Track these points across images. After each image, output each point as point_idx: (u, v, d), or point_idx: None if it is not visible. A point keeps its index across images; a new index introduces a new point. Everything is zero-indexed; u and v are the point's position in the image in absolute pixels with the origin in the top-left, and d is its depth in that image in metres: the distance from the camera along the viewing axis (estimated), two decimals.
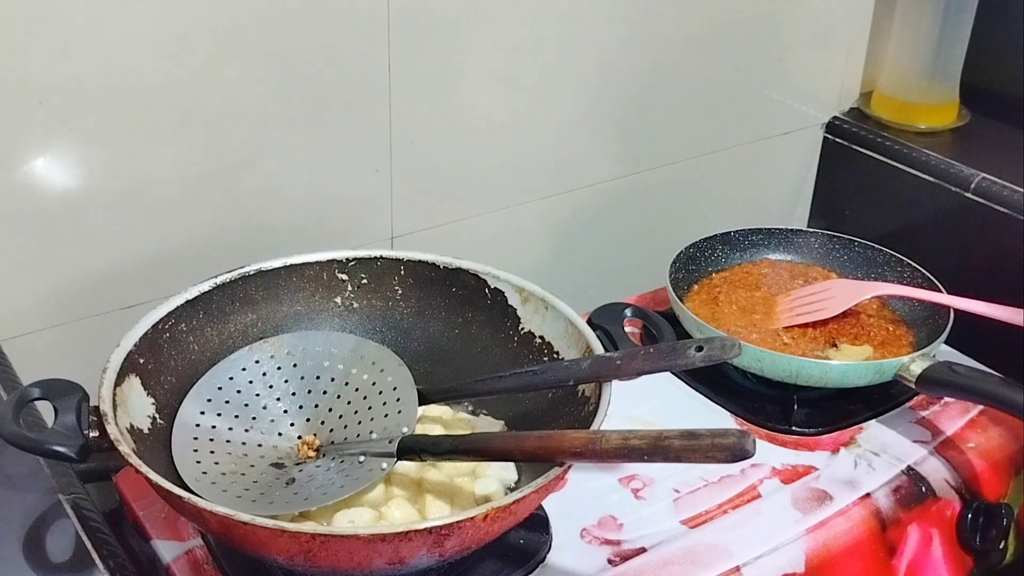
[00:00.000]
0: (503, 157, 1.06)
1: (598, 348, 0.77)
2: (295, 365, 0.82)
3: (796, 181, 1.33)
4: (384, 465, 0.73)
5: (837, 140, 1.29)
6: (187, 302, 0.79)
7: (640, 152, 1.17)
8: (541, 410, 0.81)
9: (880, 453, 0.92)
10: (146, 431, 0.73)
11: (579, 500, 0.85)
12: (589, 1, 1.04)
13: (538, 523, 0.80)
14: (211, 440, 0.76)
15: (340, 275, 0.86)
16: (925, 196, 1.19)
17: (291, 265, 0.85)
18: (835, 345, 0.99)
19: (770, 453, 0.92)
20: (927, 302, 1.01)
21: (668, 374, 0.98)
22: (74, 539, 0.67)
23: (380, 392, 0.80)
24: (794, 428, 0.95)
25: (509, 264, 0.85)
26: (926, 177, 1.19)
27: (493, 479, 0.77)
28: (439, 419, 0.84)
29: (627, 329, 0.84)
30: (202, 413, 0.78)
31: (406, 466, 0.76)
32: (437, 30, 0.96)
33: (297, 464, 0.76)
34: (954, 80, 1.26)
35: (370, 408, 0.79)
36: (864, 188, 1.27)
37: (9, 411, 0.68)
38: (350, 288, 0.87)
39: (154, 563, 0.78)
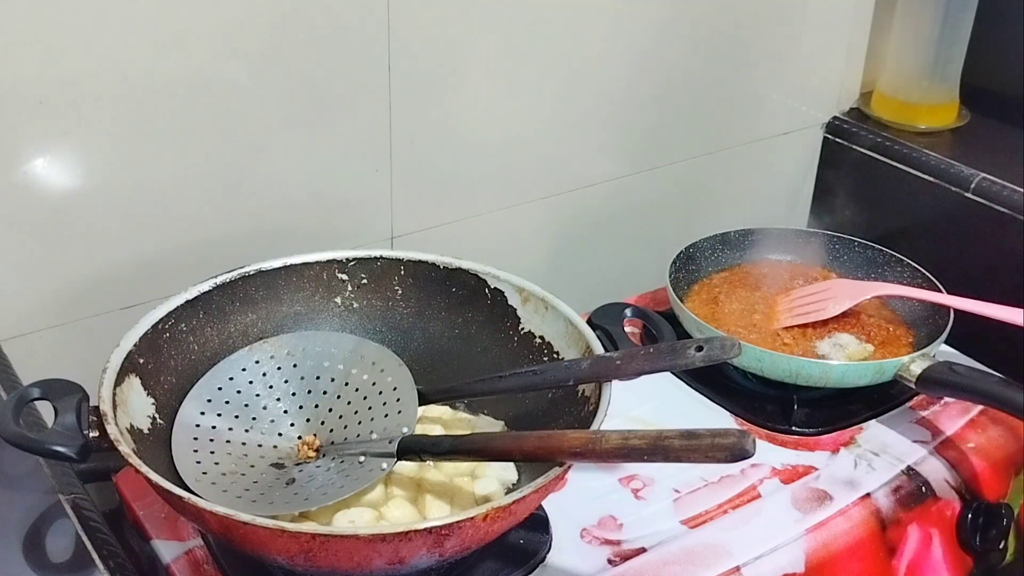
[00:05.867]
0: (503, 157, 1.06)
1: (598, 348, 0.77)
2: (295, 365, 0.82)
3: (796, 181, 1.33)
4: (384, 465, 0.73)
5: (837, 140, 1.29)
6: (187, 302, 0.79)
7: (640, 152, 1.17)
8: (541, 410, 0.81)
9: (880, 453, 0.92)
10: (146, 431, 0.73)
11: (579, 500, 0.85)
12: (589, 1, 1.04)
13: (538, 523, 0.80)
14: (211, 440, 0.76)
15: (340, 275, 0.86)
16: (925, 196, 1.19)
17: (291, 265, 0.85)
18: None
19: (770, 453, 0.92)
20: (927, 302, 1.02)
21: (668, 374, 0.98)
22: (74, 539, 0.67)
23: (380, 392, 0.80)
24: (794, 428, 0.95)
25: (509, 264, 0.85)
26: (926, 177, 1.19)
27: (493, 479, 0.77)
28: (439, 419, 0.84)
29: (627, 329, 0.84)
30: (202, 413, 0.78)
31: (406, 466, 0.76)
32: (437, 30, 0.96)
33: (297, 464, 0.76)
34: (954, 80, 1.26)
35: (370, 408, 0.79)
36: (864, 188, 1.27)
37: (9, 411, 0.67)
38: (350, 288, 0.87)
39: (154, 563, 0.78)
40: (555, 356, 0.81)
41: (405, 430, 0.76)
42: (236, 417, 0.79)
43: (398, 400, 0.79)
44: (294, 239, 0.94)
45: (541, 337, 0.82)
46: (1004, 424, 0.96)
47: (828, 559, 0.84)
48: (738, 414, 0.96)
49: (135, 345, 0.74)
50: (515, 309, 0.84)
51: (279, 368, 0.82)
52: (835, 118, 1.30)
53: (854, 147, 1.27)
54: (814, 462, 0.91)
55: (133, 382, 0.74)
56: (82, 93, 0.81)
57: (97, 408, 0.69)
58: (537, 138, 1.08)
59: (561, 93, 1.07)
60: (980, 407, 0.97)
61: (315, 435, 0.78)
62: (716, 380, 0.99)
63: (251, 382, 0.81)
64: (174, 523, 0.80)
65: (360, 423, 0.78)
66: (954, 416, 0.97)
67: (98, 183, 0.85)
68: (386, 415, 0.78)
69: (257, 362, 0.82)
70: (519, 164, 1.08)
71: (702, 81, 1.17)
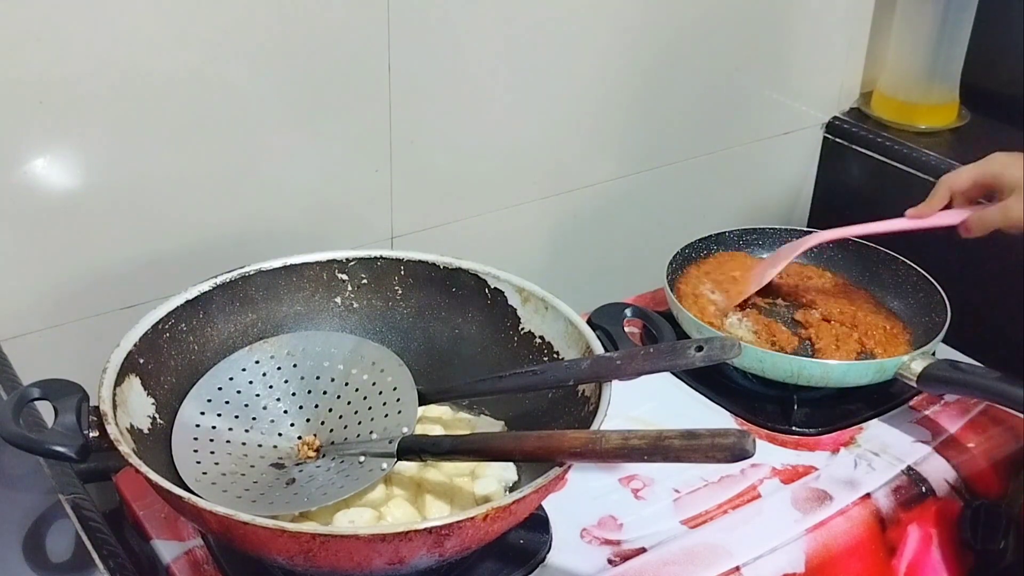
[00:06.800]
0: (503, 157, 1.06)
1: (598, 348, 0.77)
2: (295, 365, 0.82)
3: (796, 181, 1.33)
4: (384, 465, 0.73)
5: (837, 140, 1.29)
6: (187, 302, 0.79)
7: (640, 152, 1.17)
8: (541, 410, 0.81)
9: (880, 453, 0.92)
10: (146, 431, 0.73)
11: (579, 500, 0.85)
12: (589, 2, 1.04)
13: (538, 523, 0.80)
14: (211, 440, 0.76)
15: (340, 275, 0.86)
16: (925, 196, 1.18)
17: (291, 265, 0.85)
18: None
19: (770, 453, 0.92)
20: (831, 240, 1.05)
21: (668, 374, 0.98)
22: (74, 539, 0.67)
23: (380, 392, 0.80)
24: (794, 428, 0.95)
25: (509, 264, 0.85)
26: (926, 177, 1.19)
27: (493, 479, 0.77)
28: (439, 419, 0.84)
29: (627, 329, 0.83)
30: (202, 413, 0.78)
31: (406, 466, 0.76)
32: (437, 30, 0.96)
33: (297, 464, 0.76)
34: (954, 80, 1.26)
35: (370, 408, 0.79)
36: (864, 188, 1.27)
37: (9, 411, 0.67)
38: (350, 288, 0.87)
39: (154, 563, 0.78)
40: (555, 356, 0.81)
41: (405, 430, 0.76)
42: (236, 417, 0.79)
43: (398, 400, 0.79)
44: (294, 239, 0.94)
45: (541, 337, 0.82)
46: (1004, 424, 0.96)
47: (828, 559, 0.84)
48: (738, 414, 0.96)
49: (135, 345, 0.74)
50: (515, 309, 0.84)
51: (279, 368, 0.82)
52: (835, 118, 1.30)
53: (854, 147, 1.27)
54: (814, 462, 0.91)
55: (133, 382, 0.74)
56: (82, 93, 0.81)
57: (97, 408, 0.69)
58: (537, 138, 1.08)
59: (561, 93, 1.07)
60: (980, 407, 0.98)
61: (315, 435, 0.78)
62: (716, 380, 0.99)
63: (251, 382, 0.81)
64: (174, 523, 0.80)
65: (360, 423, 0.78)
66: (954, 416, 0.97)
67: (98, 183, 0.85)
68: (386, 415, 0.78)
69: (257, 362, 0.82)
70: (519, 164, 1.08)
71: (702, 81, 1.17)
